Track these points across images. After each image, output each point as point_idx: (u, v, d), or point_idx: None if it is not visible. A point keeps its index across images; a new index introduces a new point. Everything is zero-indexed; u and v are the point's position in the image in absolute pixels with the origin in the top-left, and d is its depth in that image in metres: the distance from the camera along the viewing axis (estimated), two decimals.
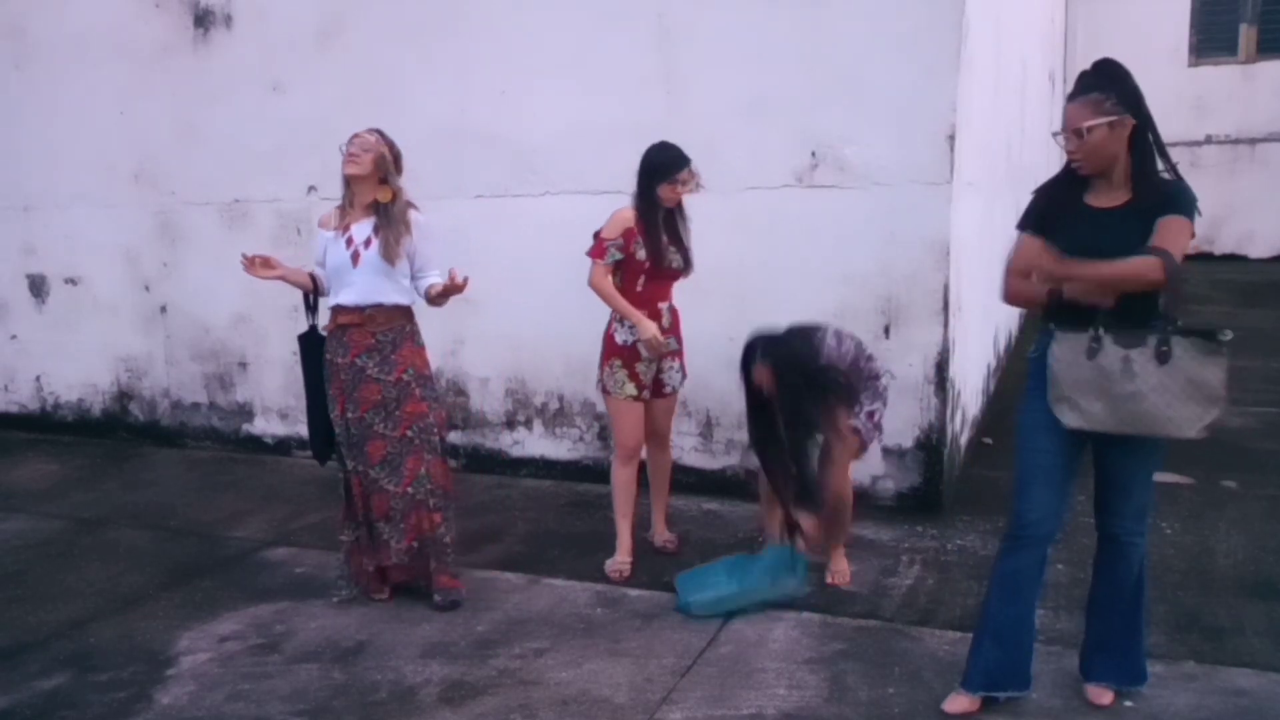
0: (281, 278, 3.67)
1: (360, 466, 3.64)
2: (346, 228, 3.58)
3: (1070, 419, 2.61)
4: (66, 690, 3.16)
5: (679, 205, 3.80)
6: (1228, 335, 2.49)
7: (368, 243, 3.54)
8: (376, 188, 3.56)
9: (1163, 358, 2.48)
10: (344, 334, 3.61)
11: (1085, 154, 2.60)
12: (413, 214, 3.61)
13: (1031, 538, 2.72)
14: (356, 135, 3.57)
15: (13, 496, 5.29)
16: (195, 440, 6.17)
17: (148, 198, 6.02)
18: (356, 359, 3.59)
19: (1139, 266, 2.46)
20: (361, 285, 3.56)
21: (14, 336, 6.69)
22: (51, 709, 3.05)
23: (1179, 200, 2.55)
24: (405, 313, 3.67)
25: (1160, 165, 2.61)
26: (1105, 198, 2.64)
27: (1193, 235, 2.55)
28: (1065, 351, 2.59)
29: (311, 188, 5.51)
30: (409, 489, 3.62)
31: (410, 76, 5.15)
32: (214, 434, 6.11)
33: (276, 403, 5.84)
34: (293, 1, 5.45)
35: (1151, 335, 2.49)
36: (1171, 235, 2.50)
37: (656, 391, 3.88)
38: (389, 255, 3.52)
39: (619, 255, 3.70)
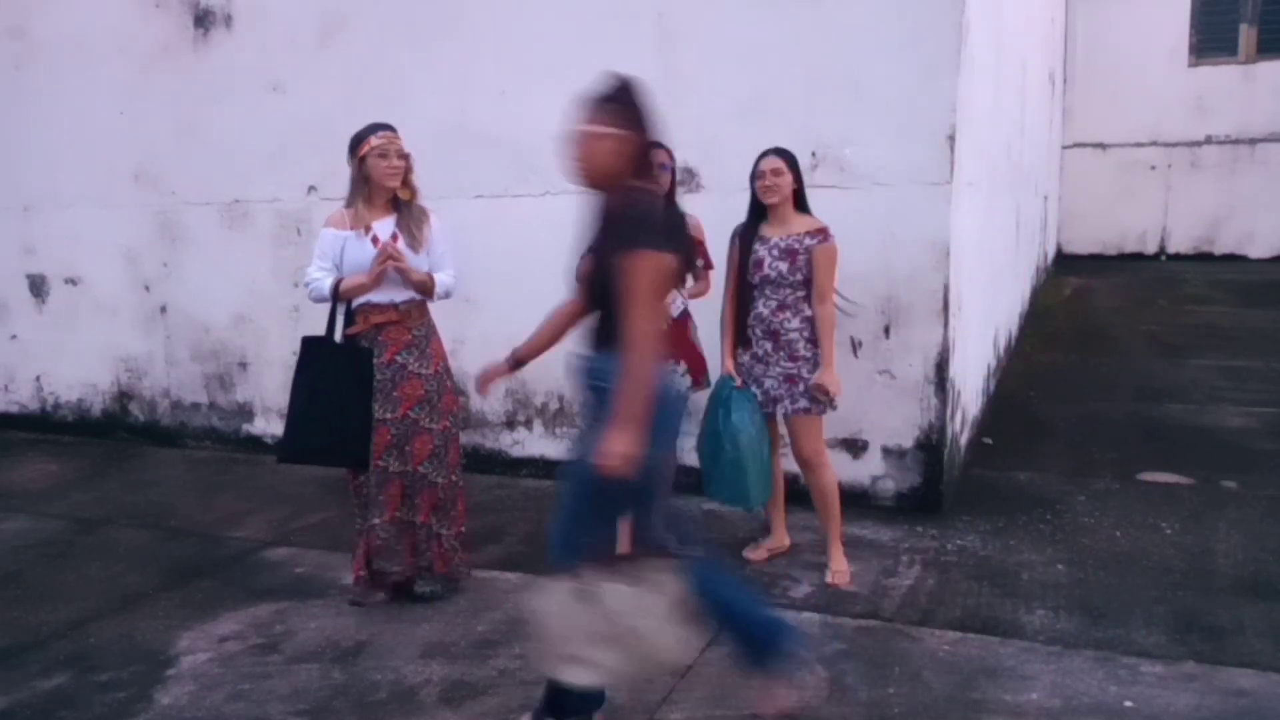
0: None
1: (404, 466, 3.60)
2: (368, 227, 3.53)
3: None
4: (66, 690, 3.16)
5: (672, 200, 3.79)
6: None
7: (394, 239, 3.53)
8: (399, 186, 3.57)
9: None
10: (378, 333, 3.57)
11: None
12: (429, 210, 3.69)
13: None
14: (388, 137, 3.50)
15: (13, 496, 5.29)
16: (195, 440, 6.17)
17: (148, 198, 6.02)
18: (396, 356, 3.57)
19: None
20: (397, 281, 3.54)
21: (14, 336, 6.69)
22: (51, 709, 3.05)
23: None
24: (427, 307, 3.71)
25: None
26: None
27: (654, 270, 2.37)
28: None
29: (311, 188, 5.51)
30: (454, 478, 3.69)
31: (410, 76, 5.15)
32: (214, 434, 6.11)
33: (276, 403, 5.83)
34: (293, 1, 5.45)
35: None
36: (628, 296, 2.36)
37: None
38: (417, 244, 3.55)
39: None
